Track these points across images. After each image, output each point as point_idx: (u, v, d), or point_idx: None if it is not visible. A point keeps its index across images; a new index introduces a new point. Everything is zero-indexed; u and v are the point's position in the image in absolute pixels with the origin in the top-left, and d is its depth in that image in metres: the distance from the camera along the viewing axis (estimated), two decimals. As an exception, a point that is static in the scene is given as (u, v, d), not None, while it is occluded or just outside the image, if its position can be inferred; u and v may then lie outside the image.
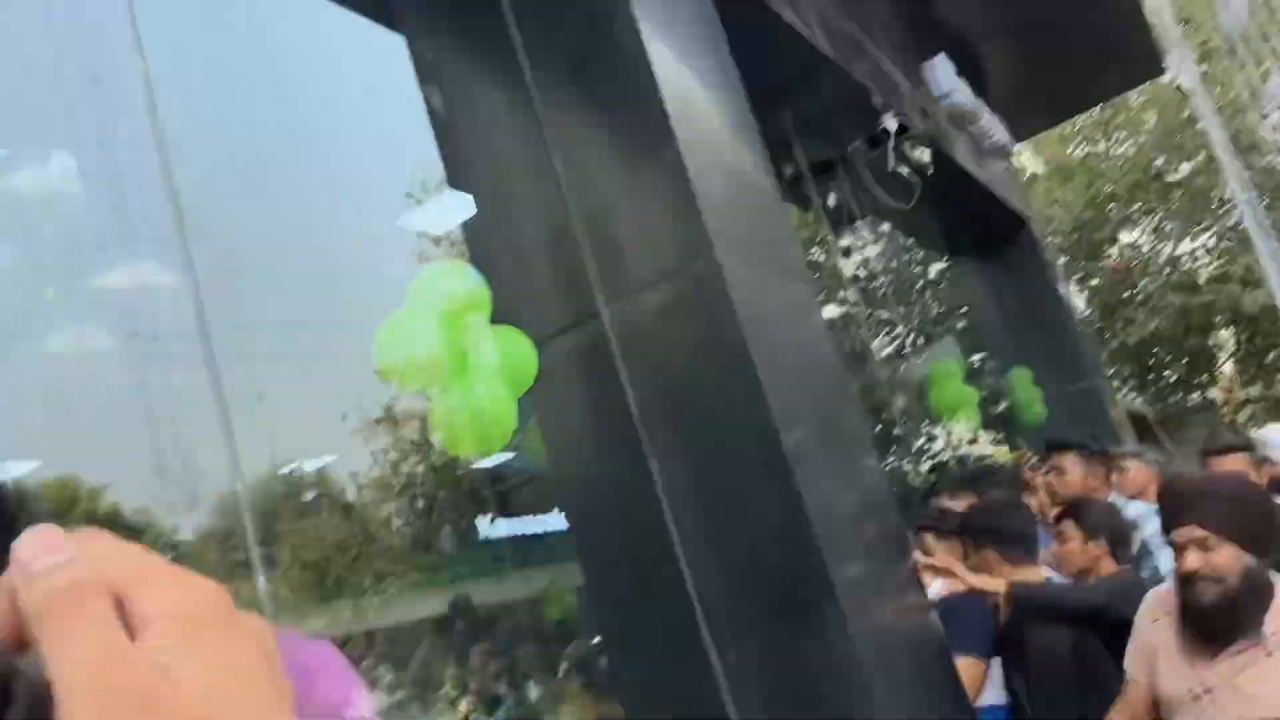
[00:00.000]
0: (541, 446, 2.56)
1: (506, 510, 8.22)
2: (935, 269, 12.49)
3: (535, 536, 7.63)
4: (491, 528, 8.29)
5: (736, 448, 2.23)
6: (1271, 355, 14.12)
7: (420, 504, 9.67)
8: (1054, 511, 3.39)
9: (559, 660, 7.76)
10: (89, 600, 0.33)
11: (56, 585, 0.33)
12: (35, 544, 0.33)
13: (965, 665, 2.73)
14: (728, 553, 2.20)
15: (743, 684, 2.14)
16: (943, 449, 10.38)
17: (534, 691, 6.75)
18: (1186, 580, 2.14)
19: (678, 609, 2.22)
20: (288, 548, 9.07)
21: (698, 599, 2.20)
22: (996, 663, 2.91)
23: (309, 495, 9.75)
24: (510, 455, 8.20)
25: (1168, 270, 13.93)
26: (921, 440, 10.44)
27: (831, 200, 5.33)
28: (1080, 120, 13.46)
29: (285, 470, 10.72)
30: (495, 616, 8.70)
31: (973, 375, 6.81)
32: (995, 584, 2.86)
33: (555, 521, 6.65)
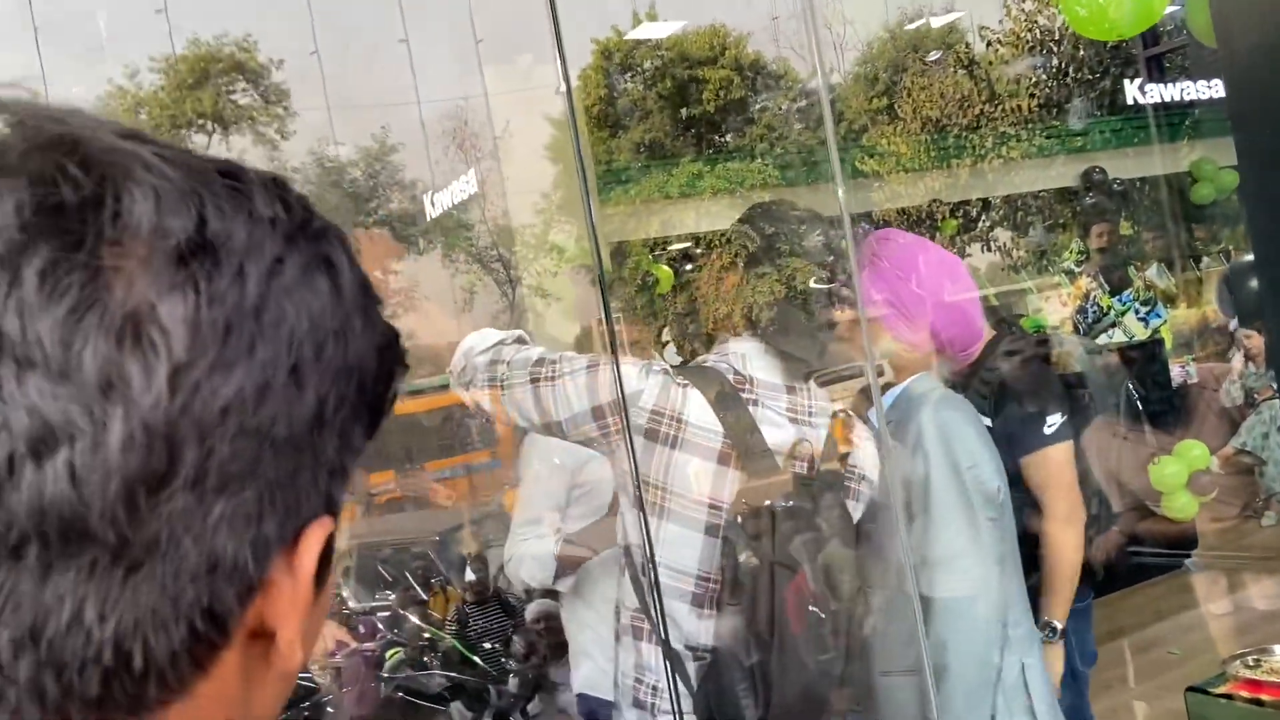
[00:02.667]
0: (1207, 15, 1.98)
1: (1158, 74, 7.11)
2: None
3: (1187, 106, 6.57)
4: (1140, 93, 7.30)
5: None
6: None
7: (1056, 63, 8.74)
8: None
9: (1209, 246, 6.95)
10: None
11: None
12: None
13: None
14: None
15: None
16: None
17: (1163, 279, 6.14)
18: None
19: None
20: (909, 103, 8.89)
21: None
22: None
23: (933, 53, 9.28)
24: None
25: None
26: None
27: None
28: None
29: (911, 26, 10.26)
30: (1130, 192, 7.92)
31: None
32: None
33: (1211, 91, 5.62)
